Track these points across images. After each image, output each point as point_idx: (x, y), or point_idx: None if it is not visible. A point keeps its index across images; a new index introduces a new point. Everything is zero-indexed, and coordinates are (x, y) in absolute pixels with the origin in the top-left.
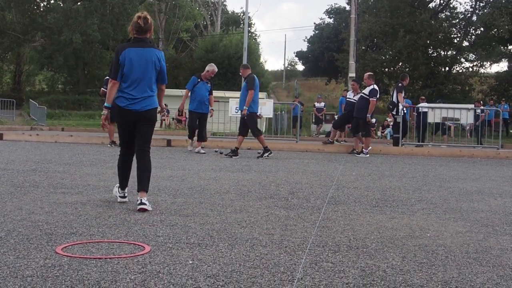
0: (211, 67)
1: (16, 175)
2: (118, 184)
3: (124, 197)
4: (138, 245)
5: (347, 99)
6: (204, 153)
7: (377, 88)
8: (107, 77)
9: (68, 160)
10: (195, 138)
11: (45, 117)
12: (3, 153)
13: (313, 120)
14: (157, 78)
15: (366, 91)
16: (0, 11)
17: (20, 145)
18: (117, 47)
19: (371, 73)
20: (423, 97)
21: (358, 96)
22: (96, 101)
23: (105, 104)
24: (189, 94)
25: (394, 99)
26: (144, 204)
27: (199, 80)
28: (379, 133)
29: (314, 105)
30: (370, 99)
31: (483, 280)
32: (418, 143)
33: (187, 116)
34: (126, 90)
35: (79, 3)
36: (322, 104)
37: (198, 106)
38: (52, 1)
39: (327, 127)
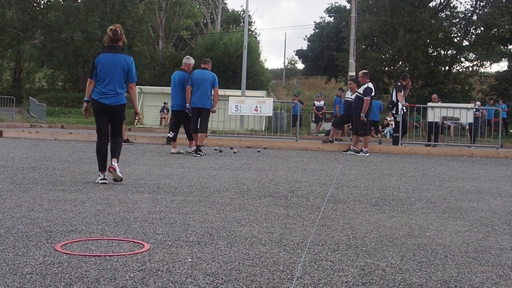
0: (189, 60)
1: (16, 172)
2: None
3: (104, 179)
4: (137, 243)
5: (346, 98)
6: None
7: (372, 87)
8: None
9: (67, 158)
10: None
11: (44, 114)
12: (3, 150)
13: (313, 119)
14: (126, 78)
15: (361, 90)
16: (0, 8)
17: (20, 142)
18: (95, 53)
19: (366, 71)
20: (435, 96)
21: (355, 95)
22: None
23: (85, 98)
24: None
25: (394, 99)
26: (113, 165)
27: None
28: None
29: (314, 103)
30: (364, 98)
31: (482, 279)
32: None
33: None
34: (99, 87)
35: (79, 1)
36: (322, 102)
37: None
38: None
39: (327, 125)
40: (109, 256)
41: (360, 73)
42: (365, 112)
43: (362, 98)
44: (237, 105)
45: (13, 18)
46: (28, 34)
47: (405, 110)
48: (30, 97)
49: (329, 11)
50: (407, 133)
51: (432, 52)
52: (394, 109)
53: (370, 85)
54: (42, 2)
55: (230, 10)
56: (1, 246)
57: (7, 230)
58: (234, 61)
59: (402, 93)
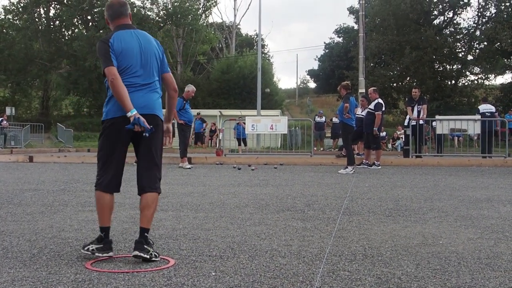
0: (190, 87)
1: (46, 195)
2: None
3: None
4: (163, 258)
5: (356, 115)
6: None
7: (382, 102)
8: None
9: (94, 180)
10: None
11: (72, 139)
12: (34, 175)
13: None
14: None
15: (372, 105)
16: (28, 41)
17: (49, 167)
18: None
19: (375, 88)
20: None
21: (366, 111)
22: None
23: None
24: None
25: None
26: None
27: (184, 101)
28: (389, 146)
29: (315, 118)
30: (376, 113)
31: (495, 284)
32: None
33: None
34: None
35: (101, 31)
36: (323, 119)
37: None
38: (77, 30)
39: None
40: (137, 272)
41: (370, 89)
42: (378, 126)
43: (373, 113)
44: (254, 124)
45: (40, 49)
46: (54, 64)
47: (413, 123)
48: (58, 124)
49: (338, 31)
50: (425, 145)
51: (438, 67)
52: (405, 123)
53: (380, 100)
54: (67, 33)
55: (243, 35)
56: (35, 265)
57: (40, 250)
58: (249, 83)
59: (412, 107)
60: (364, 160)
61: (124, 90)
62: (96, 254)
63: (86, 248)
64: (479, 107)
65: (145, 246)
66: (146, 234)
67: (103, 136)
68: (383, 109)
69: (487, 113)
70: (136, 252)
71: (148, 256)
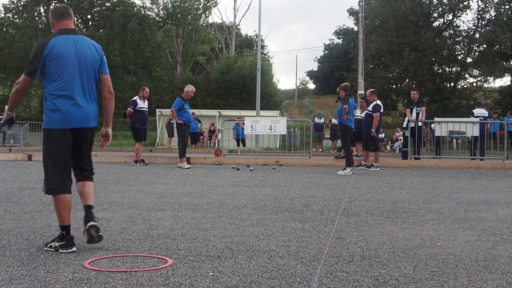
0: (190, 87)
1: (44, 193)
2: None
3: None
4: (161, 258)
5: (355, 116)
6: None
7: (380, 104)
8: (133, 98)
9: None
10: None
11: None
12: (32, 173)
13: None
14: None
15: (370, 107)
16: (28, 40)
17: None
18: None
19: (373, 89)
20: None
21: (364, 113)
22: (118, 122)
23: None
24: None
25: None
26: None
27: (183, 101)
28: (388, 147)
29: (314, 118)
30: (374, 114)
31: (492, 287)
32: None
33: (177, 131)
34: None
35: (101, 30)
36: (322, 120)
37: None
38: (76, 29)
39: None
40: (135, 271)
41: (368, 91)
42: (376, 128)
43: (371, 115)
44: (253, 125)
45: None
46: None
47: (412, 125)
48: None
49: (337, 33)
50: (423, 147)
51: (438, 69)
52: (405, 124)
53: (379, 102)
54: None
55: (243, 35)
56: (32, 264)
57: (38, 248)
58: (248, 83)
59: (410, 109)
60: (362, 162)
61: (18, 99)
62: (60, 250)
63: (49, 246)
64: (474, 111)
65: (95, 217)
66: (92, 211)
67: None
68: (382, 110)
69: (480, 118)
70: (92, 223)
71: (97, 224)
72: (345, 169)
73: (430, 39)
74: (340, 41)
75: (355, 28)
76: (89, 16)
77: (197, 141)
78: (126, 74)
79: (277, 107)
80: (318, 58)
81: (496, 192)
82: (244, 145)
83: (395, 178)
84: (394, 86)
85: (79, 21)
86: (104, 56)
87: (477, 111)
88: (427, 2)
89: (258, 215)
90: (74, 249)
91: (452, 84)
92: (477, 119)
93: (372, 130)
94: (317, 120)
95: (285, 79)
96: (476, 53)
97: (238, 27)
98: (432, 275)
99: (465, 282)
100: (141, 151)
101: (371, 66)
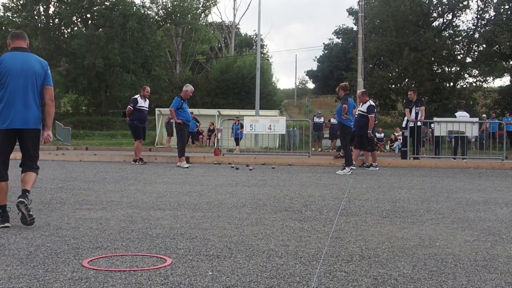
0: (189, 87)
1: (44, 192)
2: None
3: None
4: (160, 257)
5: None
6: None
7: (374, 104)
8: (134, 97)
9: (92, 178)
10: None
11: (70, 137)
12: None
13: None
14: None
15: (364, 108)
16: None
17: (47, 164)
18: None
19: (364, 90)
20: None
21: (357, 114)
22: (118, 121)
23: None
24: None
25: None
26: None
27: (182, 101)
28: (387, 147)
29: (313, 118)
30: (369, 115)
31: (491, 286)
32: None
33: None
34: None
35: (100, 29)
36: (321, 119)
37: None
38: (76, 28)
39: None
40: (134, 271)
41: (359, 92)
42: (371, 129)
43: (366, 116)
44: (252, 124)
45: (39, 47)
46: (53, 62)
47: (411, 125)
48: (56, 121)
49: (337, 33)
50: (422, 147)
51: (437, 69)
52: (404, 124)
53: (372, 102)
54: (66, 31)
55: (243, 35)
56: (31, 263)
57: (37, 247)
58: (247, 83)
59: (410, 109)
60: (364, 163)
61: None
62: None
63: None
64: (456, 114)
65: (26, 197)
66: (27, 193)
67: None
68: (376, 110)
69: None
70: (21, 199)
71: (25, 201)
72: (344, 168)
73: (429, 39)
74: (339, 40)
75: (355, 28)
76: (88, 15)
77: (195, 141)
78: (126, 73)
79: (276, 107)
80: (317, 57)
81: (495, 192)
82: (237, 144)
83: (394, 178)
84: (393, 86)
85: (78, 20)
86: (49, 71)
87: (459, 114)
88: (427, 2)
89: (257, 215)
90: (8, 225)
91: (452, 84)
92: (476, 119)
93: (368, 131)
94: (316, 119)
95: (285, 79)
96: (476, 53)
97: (238, 26)
98: (431, 275)
99: (464, 282)
100: (140, 149)
101: (370, 65)
